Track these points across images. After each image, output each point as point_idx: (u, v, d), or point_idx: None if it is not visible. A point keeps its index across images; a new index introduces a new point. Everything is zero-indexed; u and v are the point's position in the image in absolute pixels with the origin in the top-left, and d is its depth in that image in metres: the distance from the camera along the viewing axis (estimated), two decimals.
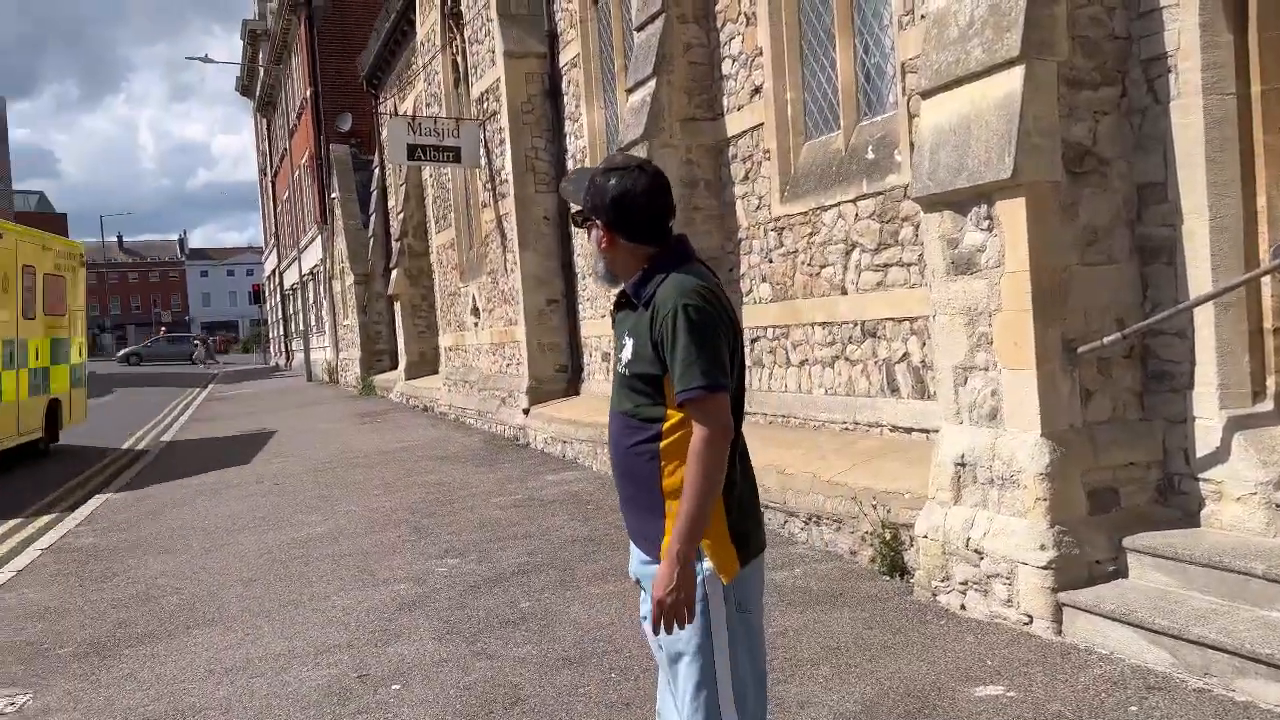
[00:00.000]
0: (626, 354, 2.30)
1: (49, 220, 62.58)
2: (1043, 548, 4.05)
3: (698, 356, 2.17)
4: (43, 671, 4.68)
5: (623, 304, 2.37)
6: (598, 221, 2.35)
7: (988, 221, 4.29)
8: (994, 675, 3.72)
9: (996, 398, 4.32)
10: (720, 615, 2.25)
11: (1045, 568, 4.04)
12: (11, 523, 8.76)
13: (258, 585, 5.92)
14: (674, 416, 2.23)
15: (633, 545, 2.42)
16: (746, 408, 2.46)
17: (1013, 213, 4.16)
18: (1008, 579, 4.20)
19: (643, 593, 2.41)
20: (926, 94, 4.63)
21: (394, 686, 4.11)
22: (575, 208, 2.42)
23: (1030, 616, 4.12)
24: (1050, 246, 4.15)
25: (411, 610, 5.16)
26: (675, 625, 2.18)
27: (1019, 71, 4.11)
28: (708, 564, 2.24)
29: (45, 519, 8.88)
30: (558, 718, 3.69)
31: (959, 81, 4.39)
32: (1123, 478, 4.22)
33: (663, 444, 2.25)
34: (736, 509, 2.30)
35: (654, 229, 2.34)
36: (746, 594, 2.31)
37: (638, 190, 2.32)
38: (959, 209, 4.43)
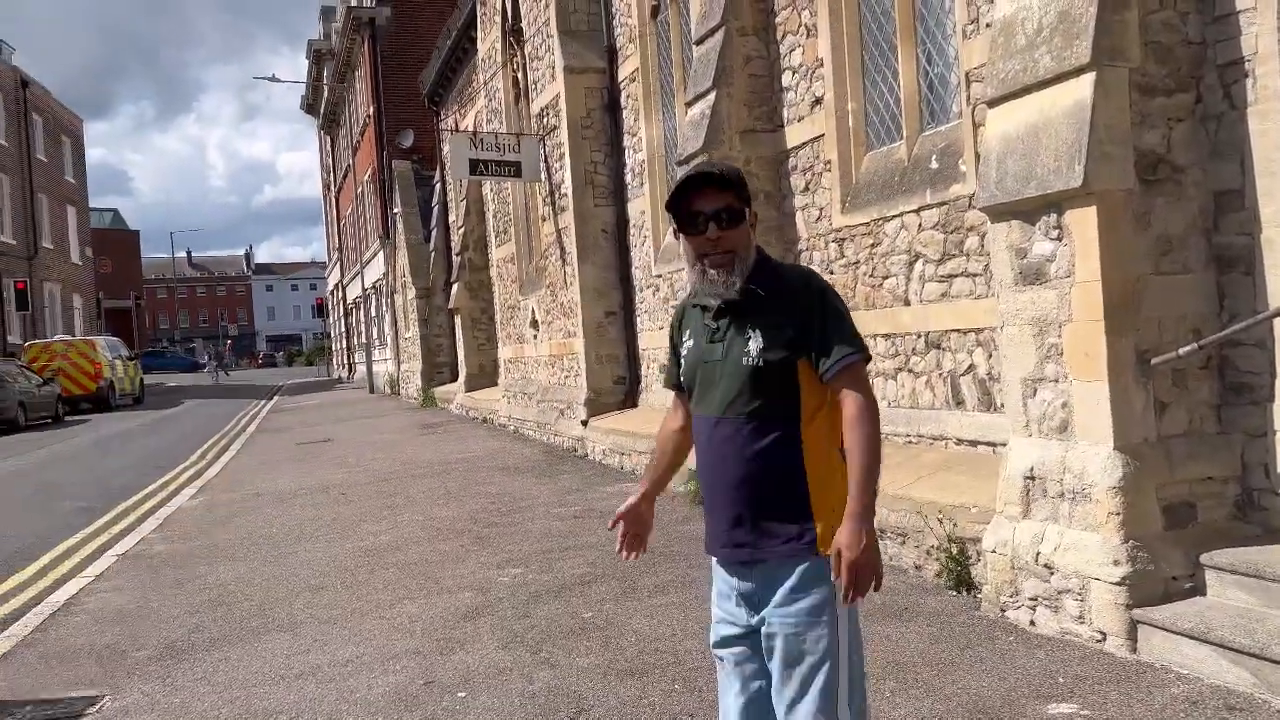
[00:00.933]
0: (755, 345, 2.25)
1: (122, 236, 64.55)
2: (1116, 563, 3.97)
3: (847, 325, 2.25)
4: (121, 674, 4.81)
5: (724, 310, 2.31)
6: (748, 207, 2.32)
7: (1057, 231, 4.23)
8: (1066, 693, 3.64)
9: (1067, 410, 4.25)
10: (844, 613, 2.24)
11: (1119, 584, 3.95)
12: (92, 527, 9.03)
13: (326, 593, 6.03)
14: (809, 405, 2.24)
15: (727, 574, 2.35)
16: None
17: (1083, 222, 4.09)
18: (1079, 595, 4.12)
19: (721, 618, 2.37)
20: (993, 102, 4.59)
21: (460, 694, 4.15)
22: (711, 207, 2.27)
23: (1103, 633, 4.03)
24: (1123, 256, 4.07)
25: (475, 619, 5.21)
26: (868, 588, 2.16)
27: (1089, 79, 4.05)
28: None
29: (120, 526, 9.14)
30: None
31: (1027, 89, 4.34)
32: (1200, 492, 4.12)
33: (805, 431, 2.24)
34: None
35: None
36: None
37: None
38: (1027, 218, 4.37)
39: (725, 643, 2.37)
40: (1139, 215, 4.12)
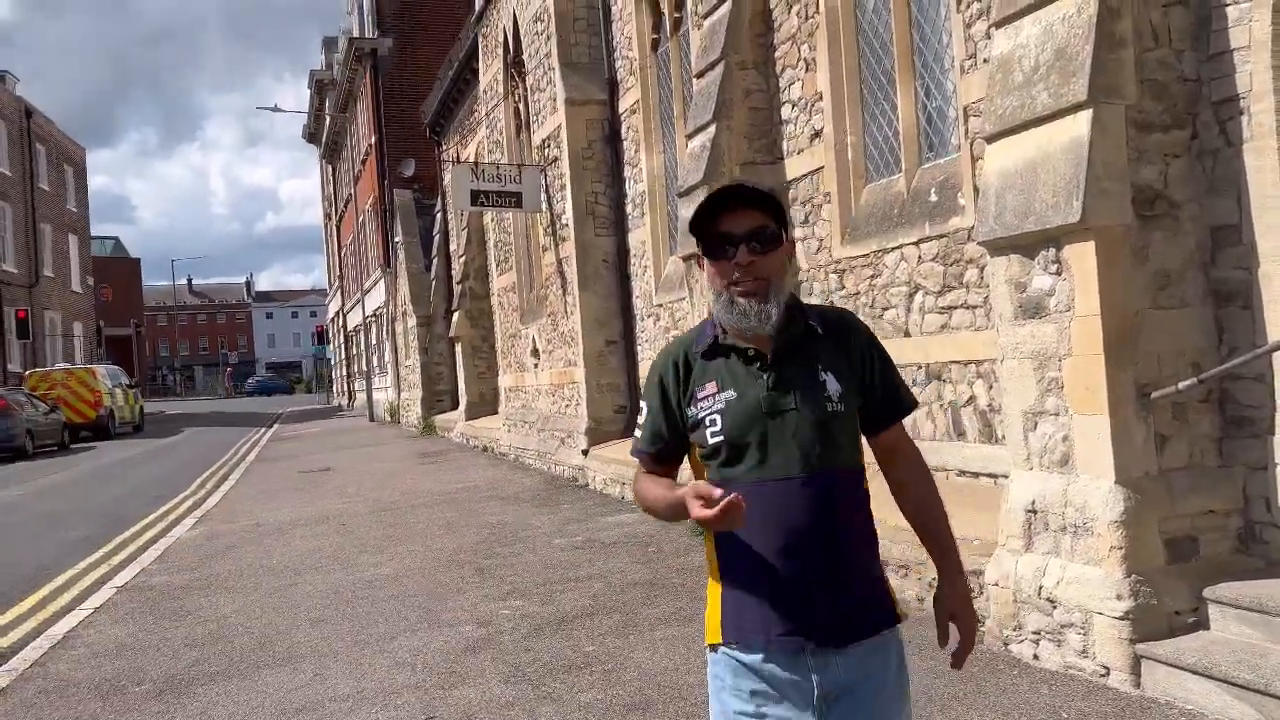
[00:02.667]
0: (833, 388, 1.98)
1: (123, 264, 64.75)
2: (1119, 597, 3.96)
3: (897, 373, 2.12)
4: (120, 709, 4.79)
5: (784, 349, 2.01)
6: (785, 235, 2.03)
7: (1056, 265, 4.26)
8: None
9: (1068, 443, 4.26)
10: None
11: (1122, 618, 3.95)
12: (91, 558, 9.00)
13: (326, 625, 6.01)
14: (865, 451, 2.07)
15: (785, 670, 1.96)
16: None
17: (1082, 256, 4.13)
18: (1082, 629, 4.11)
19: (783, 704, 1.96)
20: (991, 138, 4.63)
21: None
22: (743, 228, 1.96)
23: (1107, 668, 4.02)
24: (1121, 290, 4.10)
25: (477, 652, 5.19)
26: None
27: (1086, 116, 4.10)
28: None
29: (120, 557, 9.11)
30: None
31: (1025, 126, 4.39)
32: (1202, 526, 4.12)
33: (867, 485, 2.06)
34: None
35: None
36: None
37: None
38: (1026, 253, 4.40)
39: None
40: (1137, 250, 4.15)
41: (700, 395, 2.02)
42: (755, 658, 1.97)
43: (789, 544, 1.93)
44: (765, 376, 1.98)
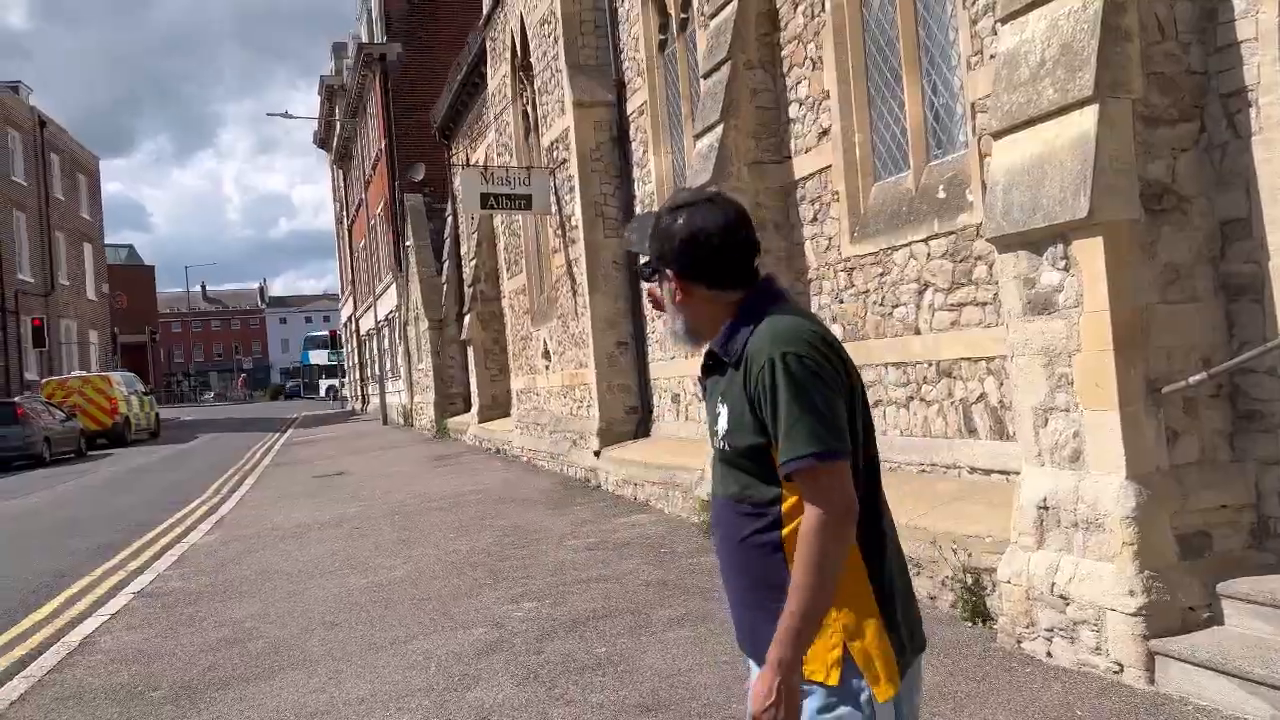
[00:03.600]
0: (722, 424, 1.90)
1: (137, 272, 65.15)
2: (1132, 594, 3.95)
3: (801, 416, 1.76)
4: (138, 715, 4.83)
5: (711, 367, 1.97)
6: (669, 271, 1.94)
7: (1064, 261, 4.24)
8: None
9: (1079, 440, 4.24)
10: None
11: (1135, 614, 3.93)
12: (108, 564, 9.07)
13: (340, 629, 6.04)
14: (793, 494, 1.83)
15: (750, 662, 1.98)
16: None
17: (1090, 252, 4.11)
18: (1096, 626, 4.09)
19: None
20: (998, 134, 4.62)
21: None
22: (643, 259, 2.02)
23: (1121, 665, 4.00)
24: (1130, 285, 4.08)
25: (490, 654, 5.21)
26: None
27: (1093, 111, 4.08)
28: (862, 682, 1.82)
29: (136, 563, 9.17)
30: None
31: (1031, 122, 4.37)
32: (1214, 521, 4.10)
33: (785, 531, 1.84)
34: (889, 596, 1.87)
35: (737, 270, 1.93)
36: (905, 711, 1.90)
37: (712, 227, 1.90)
38: (1035, 249, 4.39)
39: None
40: (1145, 245, 4.13)
41: None
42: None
43: (717, 550, 2.02)
44: (701, 387, 2.05)
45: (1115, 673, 4.02)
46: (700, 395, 2.06)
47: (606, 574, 6.85)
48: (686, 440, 10.02)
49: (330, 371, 57.37)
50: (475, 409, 20.13)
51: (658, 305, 2.04)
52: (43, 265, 36.15)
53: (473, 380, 20.48)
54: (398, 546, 8.69)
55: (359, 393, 42.39)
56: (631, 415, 11.64)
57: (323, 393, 60.84)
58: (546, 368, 14.68)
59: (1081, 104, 4.12)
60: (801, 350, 1.81)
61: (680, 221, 1.92)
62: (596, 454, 11.54)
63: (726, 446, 1.89)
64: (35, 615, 7.31)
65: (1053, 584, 4.28)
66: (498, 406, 19.45)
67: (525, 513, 10.03)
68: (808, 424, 1.76)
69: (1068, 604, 4.22)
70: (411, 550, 8.44)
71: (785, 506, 1.85)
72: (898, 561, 1.95)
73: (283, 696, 4.86)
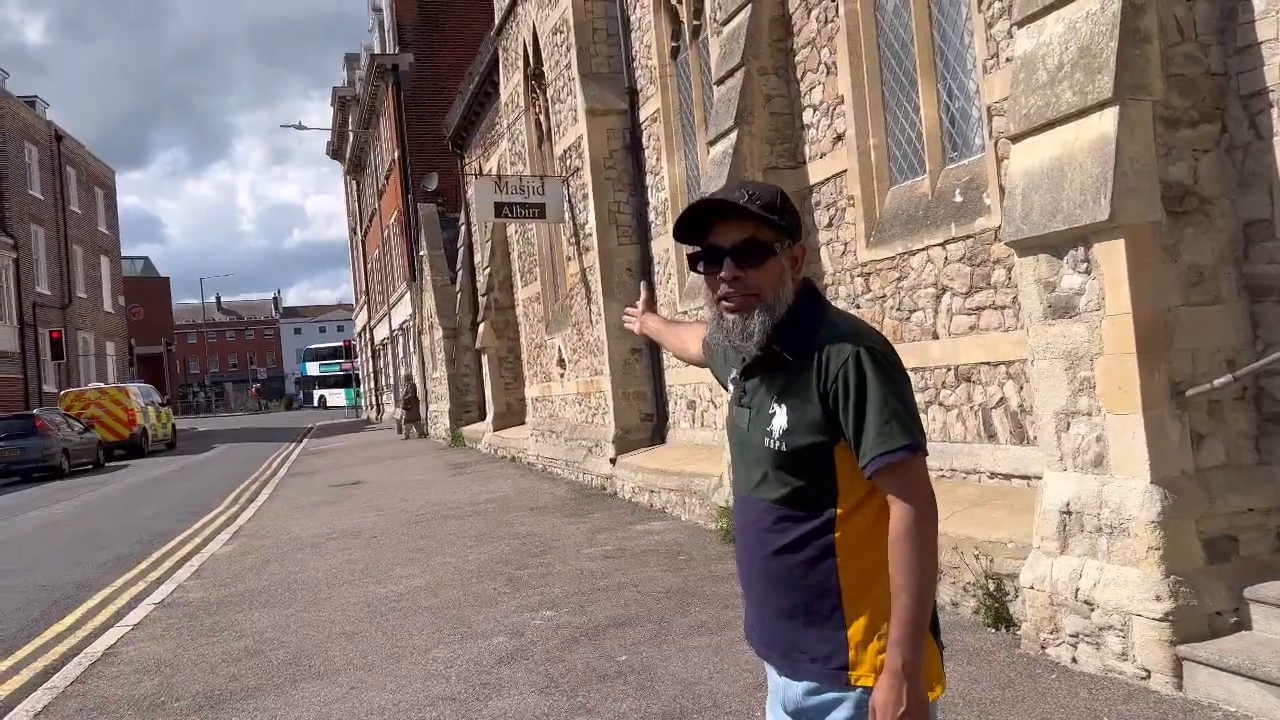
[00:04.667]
0: (780, 424, 1.82)
1: (153, 284, 65.56)
2: (1158, 599, 3.91)
3: (897, 409, 1.74)
4: None
5: (757, 365, 1.90)
6: (789, 243, 1.87)
7: (1085, 264, 4.22)
8: None
9: (1102, 444, 4.21)
10: None
11: (1162, 620, 3.90)
12: (129, 575, 9.11)
13: (360, 639, 6.04)
14: (851, 496, 1.80)
15: (775, 673, 1.93)
16: None
17: (1112, 255, 4.09)
18: (1121, 631, 4.06)
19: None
20: (1016, 138, 4.60)
21: None
22: (728, 241, 1.85)
23: (1147, 670, 3.97)
24: (1153, 288, 4.06)
25: (511, 663, 5.20)
26: None
27: (1112, 113, 4.06)
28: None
29: (156, 574, 9.21)
30: None
31: (1050, 125, 4.35)
32: (1241, 525, 4.06)
33: (838, 534, 1.80)
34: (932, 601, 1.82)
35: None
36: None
37: (796, 210, 1.91)
38: (1055, 252, 4.36)
39: None
40: (1168, 247, 4.10)
41: (729, 377, 2.08)
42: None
43: (742, 554, 1.96)
44: (736, 390, 1.98)
45: (1142, 679, 3.98)
46: (738, 400, 1.97)
47: (625, 581, 6.84)
48: (702, 447, 10.01)
49: (322, 382, 64.02)
50: (490, 417, 20.15)
51: (736, 289, 1.85)
52: (60, 278, 36.44)
53: (487, 388, 20.52)
54: (416, 555, 8.70)
55: (373, 402, 42.51)
56: (647, 422, 11.64)
57: (315, 402, 66.75)
58: (561, 375, 14.69)
59: (1101, 106, 4.10)
60: (882, 345, 1.82)
61: (783, 197, 1.88)
62: (612, 461, 11.54)
63: (784, 447, 1.82)
64: (57, 626, 7.34)
65: (1077, 589, 4.25)
66: (512, 414, 19.47)
67: (542, 520, 10.03)
68: (903, 417, 1.75)
69: (1092, 609, 4.18)
70: (430, 559, 8.45)
71: (841, 510, 1.81)
72: None
73: (305, 707, 4.87)
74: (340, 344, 64.68)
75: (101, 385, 30.92)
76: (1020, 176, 4.54)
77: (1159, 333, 4.05)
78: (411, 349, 29.90)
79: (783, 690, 1.91)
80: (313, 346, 76.91)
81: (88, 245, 40.23)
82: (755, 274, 1.85)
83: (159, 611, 7.45)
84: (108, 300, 42.38)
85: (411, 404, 27.15)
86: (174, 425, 33.01)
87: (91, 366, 38.58)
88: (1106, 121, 4.08)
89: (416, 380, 28.36)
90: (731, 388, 2.03)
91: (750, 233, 1.85)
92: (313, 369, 70.80)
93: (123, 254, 47.85)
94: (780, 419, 1.83)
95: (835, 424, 1.79)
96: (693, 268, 1.95)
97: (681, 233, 1.93)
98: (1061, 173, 4.28)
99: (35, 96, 40.30)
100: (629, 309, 2.72)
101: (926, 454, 1.79)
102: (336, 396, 61.29)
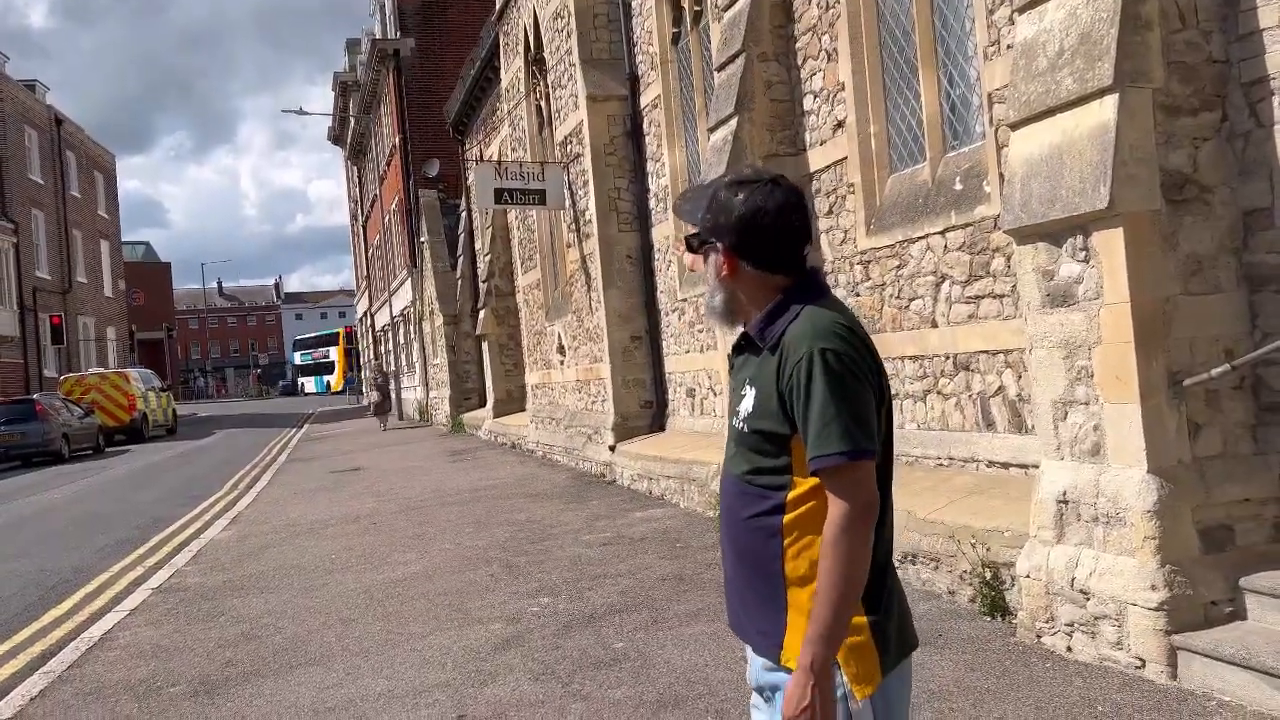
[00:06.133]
0: (746, 406, 1.91)
1: (154, 269, 65.52)
2: (1154, 588, 3.91)
3: (838, 414, 1.77)
4: (155, 710, 4.85)
5: (743, 346, 2.00)
6: (719, 245, 1.95)
7: (1084, 253, 4.20)
8: None
9: (1099, 433, 4.20)
10: None
11: (1157, 609, 3.89)
12: (126, 560, 9.12)
13: (356, 625, 6.05)
14: (802, 484, 1.85)
15: (748, 648, 1.99)
16: None
17: (1110, 243, 4.06)
18: (1117, 620, 4.06)
19: (761, 705, 1.96)
20: (1016, 125, 4.57)
21: None
22: (689, 230, 2.02)
23: (1142, 660, 3.97)
24: (1151, 277, 4.04)
25: (506, 650, 5.21)
26: None
27: (1112, 100, 4.03)
28: (841, 676, 1.81)
29: (154, 559, 9.22)
30: None
31: (1050, 112, 4.32)
32: (1237, 515, 4.05)
33: (786, 518, 1.86)
34: (878, 594, 1.86)
35: (787, 256, 1.93)
36: (891, 711, 1.87)
37: (771, 207, 1.90)
38: (1054, 240, 4.34)
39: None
40: (1167, 235, 4.08)
41: None
42: None
43: (720, 531, 2.04)
44: (731, 365, 2.07)
45: (1137, 668, 3.98)
46: (728, 372, 2.06)
47: (623, 569, 6.85)
48: (701, 435, 10.00)
49: (305, 370, 71.02)
50: (490, 404, 20.16)
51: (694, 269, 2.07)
52: (60, 263, 36.42)
53: (488, 375, 20.52)
54: (414, 542, 8.71)
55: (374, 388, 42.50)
56: (646, 410, 11.63)
57: (298, 389, 72.92)
58: (561, 362, 14.68)
59: (1101, 93, 4.07)
60: (840, 347, 1.82)
61: (740, 197, 1.92)
62: (612, 448, 11.54)
63: (746, 428, 1.91)
64: (55, 611, 7.36)
65: (1073, 578, 4.24)
66: (512, 401, 19.48)
67: (541, 507, 10.03)
68: (843, 422, 1.77)
69: (1088, 599, 4.18)
70: (428, 545, 8.45)
71: (791, 495, 1.86)
72: (890, 561, 1.96)
73: (300, 692, 4.88)
74: (320, 334, 73.24)
75: (102, 370, 30.93)
76: (1020, 164, 4.52)
77: (1157, 321, 4.04)
78: (412, 335, 29.90)
79: (753, 664, 1.97)
80: (299, 337, 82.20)
81: (88, 230, 40.18)
82: (708, 266, 2.00)
83: (156, 597, 7.46)
84: (108, 285, 42.36)
85: (383, 393, 26.58)
86: (175, 410, 33.04)
87: (92, 351, 38.59)
88: (1107, 109, 4.05)
89: (417, 366, 28.32)
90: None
91: (693, 230, 2.01)
92: (298, 358, 76.98)
93: (123, 239, 47.78)
94: (747, 401, 1.91)
95: (789, 418, 1.85)
96: (689, 249, 2.06)
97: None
98: (1061, 160, 4.25)
99: (35, 80, 40.18)
100: None
101: (872, 457, 1.81)
102: (310, 384, 68.83)
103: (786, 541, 1.86)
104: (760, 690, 1.95)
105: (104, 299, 41.53)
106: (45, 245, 35.46)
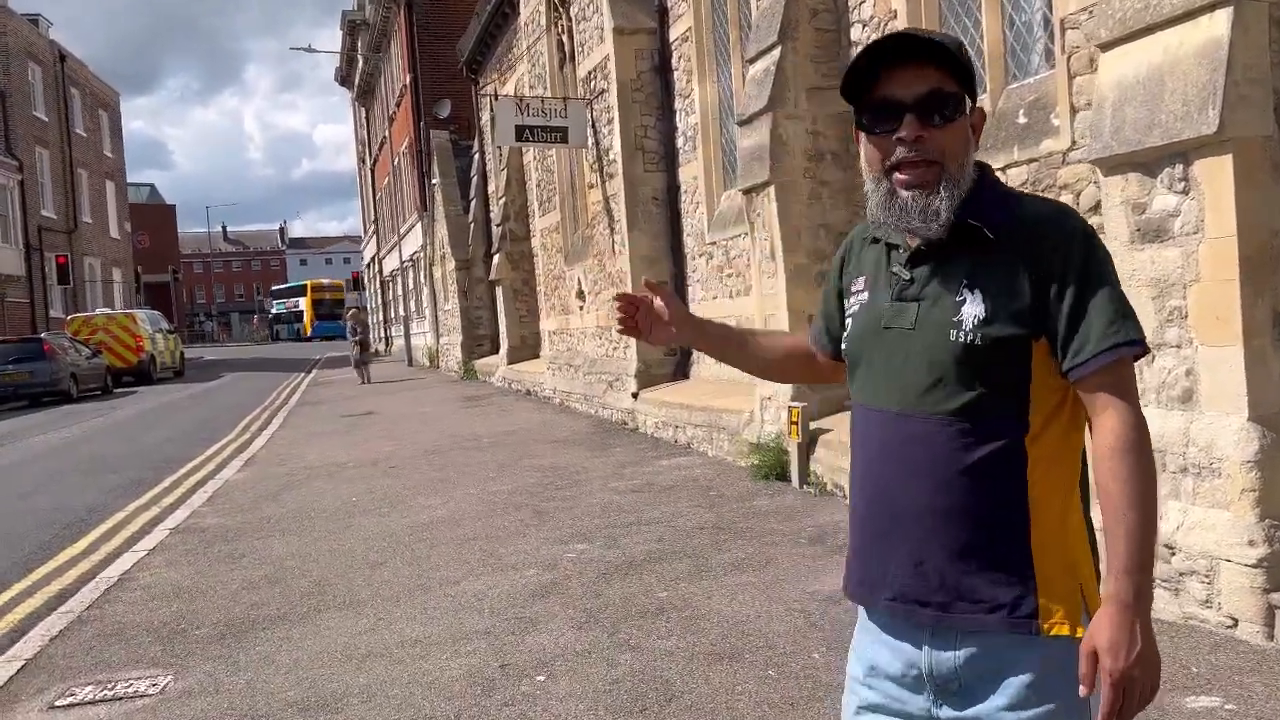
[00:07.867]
0: (973, 312, 1.49)
1: (159, 211, 65.03)
2: (1251, 544, 3.65)
3: (1119, 295, 1.48)
4: (181, 653, 4.64)
5: (929, 253, 1.57)
6: (972, 105, 1.55)
7: (1183, 183, 3.88)
8: (1205, 685, 3.35)
9: (1191, 378, 3.92)
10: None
11: (1255, 566, 3.64)
12: (141, 500, 8.93)
13: (385, 569, 5.83)
14: (1043, 408, 1.51)
15: (901, 643, 1.58)
16: None
17: (1216, 172, 3.75)
18: (1206, 577, 3.81)
19: (869, 699, 1.62)
20: (1107, 45, 4.23)
21: (539, 678, 3.93)
22: (910, 92, 1.50)
23: (1234, 619, 3.72)
24: (1260, 209, 3.73)
25: (545, 597, 4.98)
26: (1138, 710, 1.42)
27: (1225, 14, 3.69)
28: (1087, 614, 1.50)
29: (170, 499, 9.03)
30: (719, 716, 3.45)
31: (1150, 29, 3.98)
32: None
33: (1031, 453, 1.50)
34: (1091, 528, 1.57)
35: None
36: None
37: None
38: (1147, 170, 4.02)
39: None
40: (1278, 164, 3.76)
41: (853, 289, 1.69)
42: (862, 614, 1.68)
43: (879, 492, 1.58)
44: (895, 283, 1.59)
45: (1229, 627, 3.74)
46: (903, 289, 1.58)
47: (656, 516, 6.62)
48: (728, 382, 9.73)
49: (280, 319, 75.49)
50: (504, 350, 19.89)
51: (920, 153, 1.52)
52: (65, 202, 36.01)
53: (501, 321, 20.22)
54: (437, 485, 8.49)
55: (382, 334, 42.27)
56: (670, 357, 11.36)
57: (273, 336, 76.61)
58: (581, 308, 14.37)
59: (1212, 7, 3.73)
60: (1095, 231, 1.53)
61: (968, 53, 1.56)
62: (634, 395, 11.28)
63: (978, 340, 1.48)
64: (71, 550, 7.16)
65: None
66: (527, 348, 19.21)
67: (563, 454, 9.81)
68: (1123, 305, 1.48)
69: (1174, 554, 3.93)
70: (452, 490, 8.23)
71: (1034, 422, 1.50)
72: None
73: (331, 638, 4.66)
74: (290, 285, 79.61)
75: (109, 311, 30.66)
76: (1110, 88, 4.18)
77: (1264, 258, 3.73)
78: (422, 280, 29.57)
79: (921, 658, 1.55)
80: (275, 287, 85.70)
81: (93, 169, 39.68)
82: (940, 135, 1.51)
83: (174, 537, 7.26)
84: (114, 226, 41.95)
85: (362, 346, 23.81)
86: (182, 353, 32.83)
87: (98, 293, 38.30)
88: (1218, 24, 3.71)
89: (427, 312, 27.98)
90: (865, 286, 1.66)
91: (935, 83, 1.50)
92: (275, 308, 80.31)
93: (129, 180, 47.26)
94: (974, 307, 1.49)
95: (1041, 315, 1.48)
96: (860, 127, 1.58)
97: (849, 86, 1.57)
98: (1161, 82, 3.91)
99: (38, 14, 39.41)
100: (621, 297, 1.85)
101: (1149, 353, 1.57)
102: (283, 331, 73.49)
103: (1032, 483, 1.49)
104: (947, 688, 1.54)
105: (110, 240, 41.14)
106: (50, 184, 35.02)
